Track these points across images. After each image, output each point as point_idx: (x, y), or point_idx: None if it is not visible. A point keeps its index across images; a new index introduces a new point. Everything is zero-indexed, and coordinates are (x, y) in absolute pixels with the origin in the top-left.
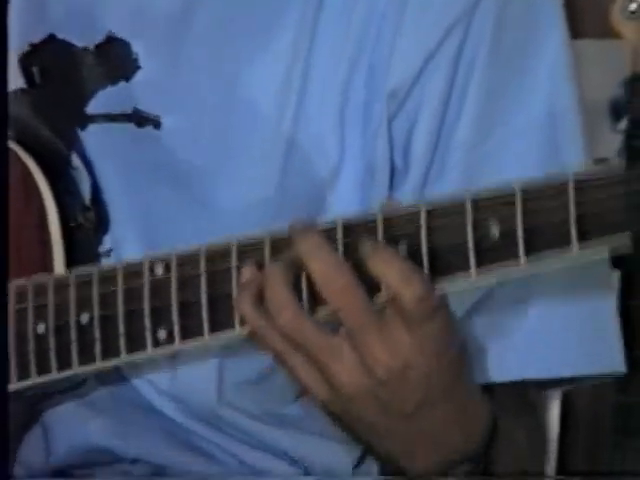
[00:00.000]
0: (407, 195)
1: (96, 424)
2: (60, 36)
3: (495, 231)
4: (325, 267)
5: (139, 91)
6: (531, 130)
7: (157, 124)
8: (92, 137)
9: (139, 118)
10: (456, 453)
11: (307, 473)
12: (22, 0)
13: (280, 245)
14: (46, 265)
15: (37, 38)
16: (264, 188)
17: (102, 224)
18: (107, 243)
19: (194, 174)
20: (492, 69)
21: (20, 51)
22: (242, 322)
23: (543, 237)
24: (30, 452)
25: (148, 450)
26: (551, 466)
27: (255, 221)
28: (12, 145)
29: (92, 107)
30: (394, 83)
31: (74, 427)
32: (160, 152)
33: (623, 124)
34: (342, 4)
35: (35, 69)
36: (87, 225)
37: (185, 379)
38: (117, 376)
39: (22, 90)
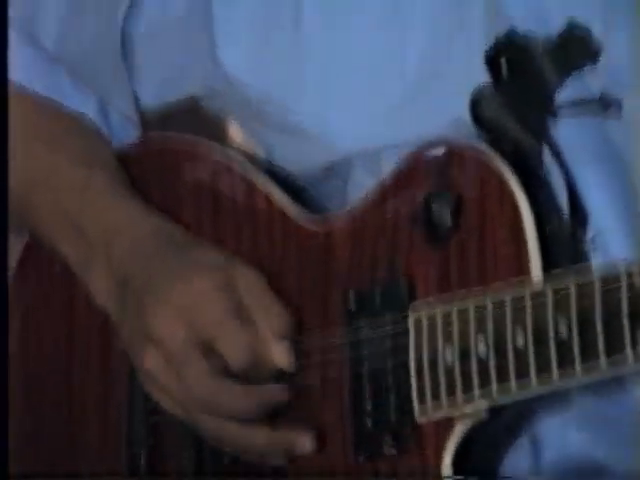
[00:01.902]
0: None
1: (582, 435)
2: (520, 28)
3: None
4: None
5: (602, 74)
6: None
7: (620, 107)
8: (561, 127)
9: (606, 101)
10: None
11: None
12: None
13: None
14: (522, 268)
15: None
16: None
17: (582, 218)
18: (589, 231)
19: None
20: None
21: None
22: None
23: None
24: (516, 461)
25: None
26: None
27: None
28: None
29: (560, 95)
30: None
31: (560, 437)
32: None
33: None
34: None
35: (502, 63)
36: (564, 228)
37: None
38: (603, 387)
39: (489, 87)
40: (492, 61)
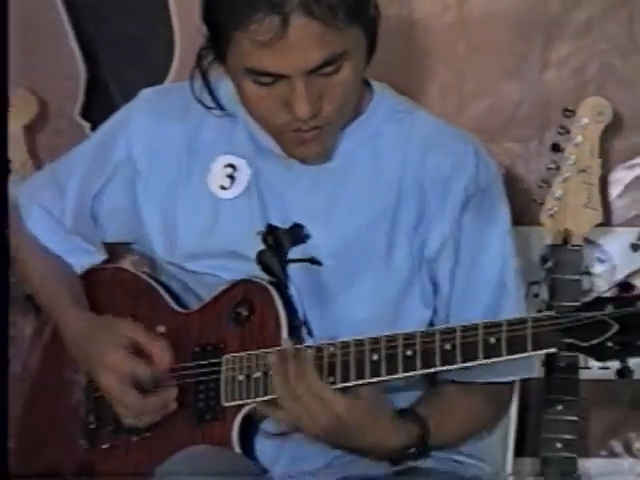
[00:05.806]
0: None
1: None
2: (274, 223)
3: None
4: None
5: (310, 245)
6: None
7: (320, 263)
8: (293, 271)
9: (312, 259)
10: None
11: None
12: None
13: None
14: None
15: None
16: (379, 304)
17: (297, 315)
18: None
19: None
20: (469, 249)
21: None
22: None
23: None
24: None
25: None
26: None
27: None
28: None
29: (290, 254)
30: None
31: None
32: (320, 279)
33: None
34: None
35: (269, 238)
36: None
37: None
38: None
39: (265, 250)
40: (264, 237)
